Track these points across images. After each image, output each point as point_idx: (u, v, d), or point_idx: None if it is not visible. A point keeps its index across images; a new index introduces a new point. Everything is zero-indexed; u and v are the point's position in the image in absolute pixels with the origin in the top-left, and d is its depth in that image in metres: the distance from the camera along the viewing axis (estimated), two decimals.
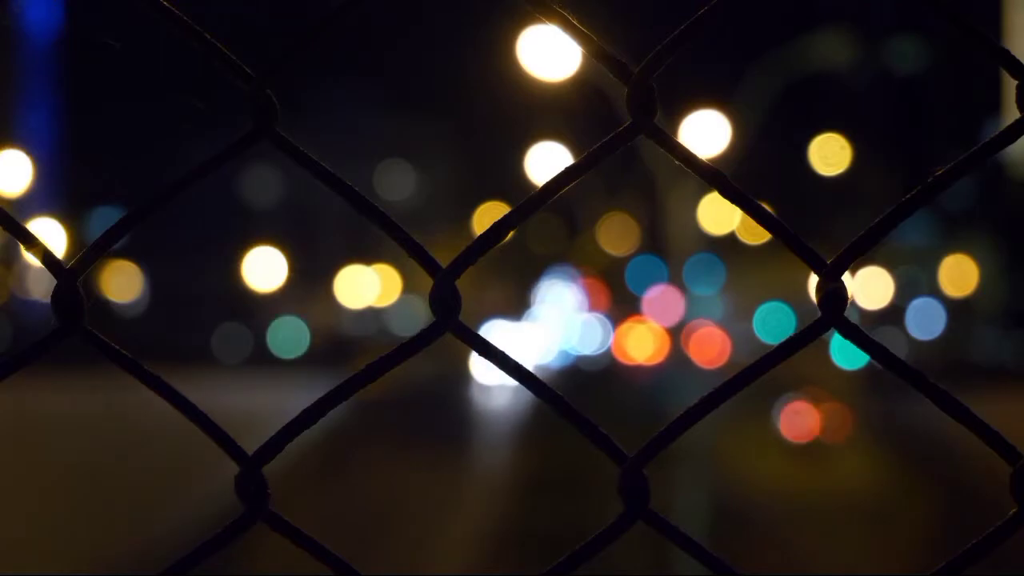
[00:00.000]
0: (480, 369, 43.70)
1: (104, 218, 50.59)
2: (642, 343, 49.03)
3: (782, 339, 1.59)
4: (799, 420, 34.90)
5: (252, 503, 1.61)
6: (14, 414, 28.11)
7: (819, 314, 1.59)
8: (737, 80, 21.71)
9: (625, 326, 54.83)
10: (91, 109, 58.61)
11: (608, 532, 1.60)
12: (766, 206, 1.60)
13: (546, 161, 23.04)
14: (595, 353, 60.61)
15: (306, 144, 1.61)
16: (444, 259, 1.59)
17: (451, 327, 1.58)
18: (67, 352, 1.70)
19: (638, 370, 46.52)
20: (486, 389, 43.54)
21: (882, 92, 58.77)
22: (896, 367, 1.59)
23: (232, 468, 1.62)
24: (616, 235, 59.92)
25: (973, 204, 58.32)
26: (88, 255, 1.62)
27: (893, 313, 56.70)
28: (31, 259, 1.68)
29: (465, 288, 1.58)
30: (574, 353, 60.29)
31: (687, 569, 14.77)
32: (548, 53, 16.65)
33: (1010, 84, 1.58)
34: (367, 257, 58.98)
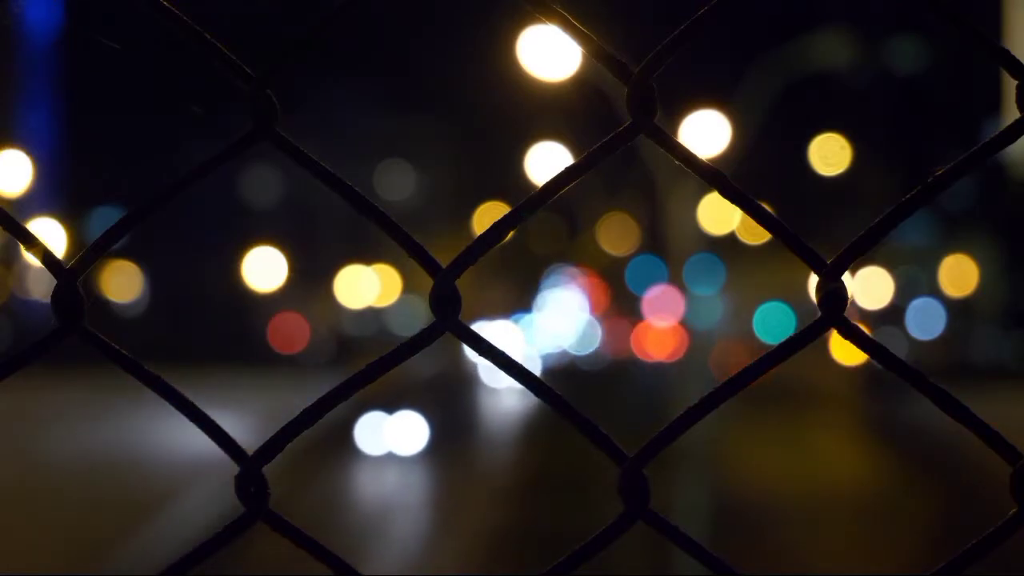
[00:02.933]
0: (365, 440, 29.88)
1: (104, 218, 50.57)
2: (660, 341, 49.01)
3: (782, 339, 1.60)
4: (722, 359, 35.80)
5: (252, 503, 1.61)
6: (13, 414, 28.10)
7: (819, 314, 1.59)
8: (737, 80, 21.70)
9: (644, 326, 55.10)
10: (91, 109, 58.60)
11: (608, 532, 1.60)
12: (766, 206, 1.60)
13: (546, 161, 23.02)
14: (594, 352, 60.66)
15: (306, 144, 1.61)
16: (444, 259, 1.59)
17: (451, 327, 1.59)
18: (67, 352, 1.70)
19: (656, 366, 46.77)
20: (372, 461, 29.96)
21: (882, 92, 58.77)
22: (896, 367, 1.59)
23: (232, 468, 1.62)
24: (616, 235, 59.93)
25: (973, 204, 58.32)
26: (88, 255, 1.62)
27: (893, 313, 56.71)
28: (31, 259, 1.68)
29: (465, 288, 1.58)
30: (574, 352, 60.34)
31: (687, 569, 14.77)
32: (548, 53, 16.64)
33: (1010, 84, 1.58)
34: (367, 257, 58.99)
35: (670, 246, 21.07)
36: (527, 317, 61.19)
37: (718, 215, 26.76)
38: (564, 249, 63.01)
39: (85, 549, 20.59)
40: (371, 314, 61.61)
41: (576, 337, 61.97)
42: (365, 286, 61.86)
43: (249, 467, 1.62)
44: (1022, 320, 55.63)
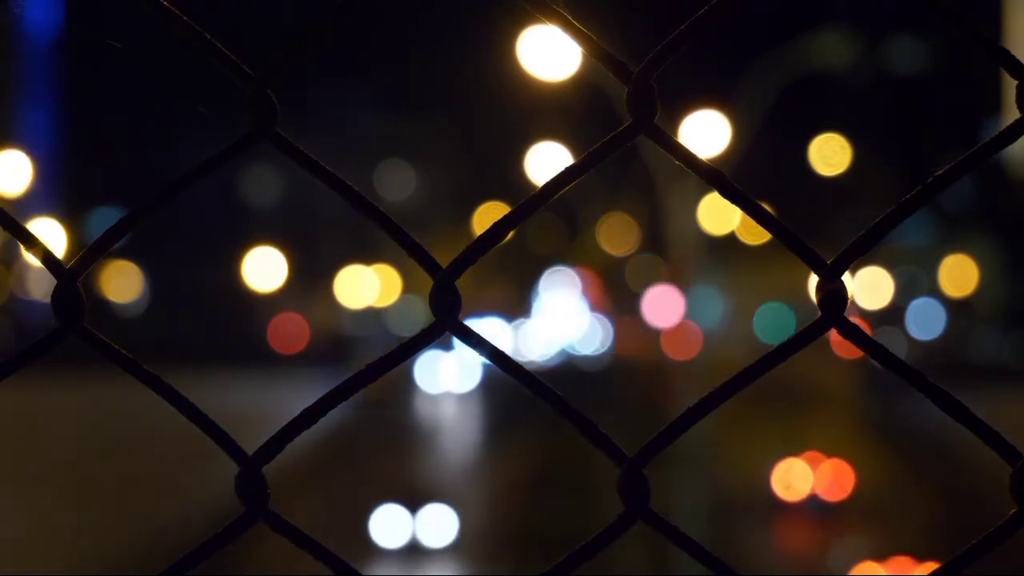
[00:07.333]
0: None
1: (104, 218, 50.58)
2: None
3: (782, 339, 1.60)
4: (683, 340, 36.13)
5: (252, 503, 1.61)
6: (13, 414, 28.09)
7: (819, 314, 1.59)
8: (737, 80, 21.71)
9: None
10: (91, 109, 58.59)
11: (608, 532, 1.60)
12: (766, 206, 1.60)
13: (546, 161, 23.03)
14: (595, 352, 60.64)
15: (306, 144, 1.61)
16: (444, 259, 1.59)
17: (451, 326, 1.58)
18: (67, 352, 1.70)
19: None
20: None
21: (882, 92, 58.78)
22: (896, 367, 1.59)
23: (232, 468, 1.62)
24: (616, 235, 59.92)
25: (973, 204, 58.32)
26: (88, 255, 1.62)
27: (893, 313, 56.70)
28: (31, 259, 1.68)
29: (465, 288, 1.58)
30: (574, 352, 60.32)
31: (687, 569, 14.78)
32: (548, 53, 16.65)
33: (1010, 84, 1.58)
34: (367, 257, 58.97)
35: (670, 246, 21.08)
36: (540, 316, 60.97)
37: (718, 215, 26.78)
38: (564, 249, 62.99)
39: None
40: (371, 314, 61.58)
41: (576, 337, 61.93)
42: (365, 286, 61.85)
43: (249, 467, 1.62)
44: (1022, 320, 55.63)
